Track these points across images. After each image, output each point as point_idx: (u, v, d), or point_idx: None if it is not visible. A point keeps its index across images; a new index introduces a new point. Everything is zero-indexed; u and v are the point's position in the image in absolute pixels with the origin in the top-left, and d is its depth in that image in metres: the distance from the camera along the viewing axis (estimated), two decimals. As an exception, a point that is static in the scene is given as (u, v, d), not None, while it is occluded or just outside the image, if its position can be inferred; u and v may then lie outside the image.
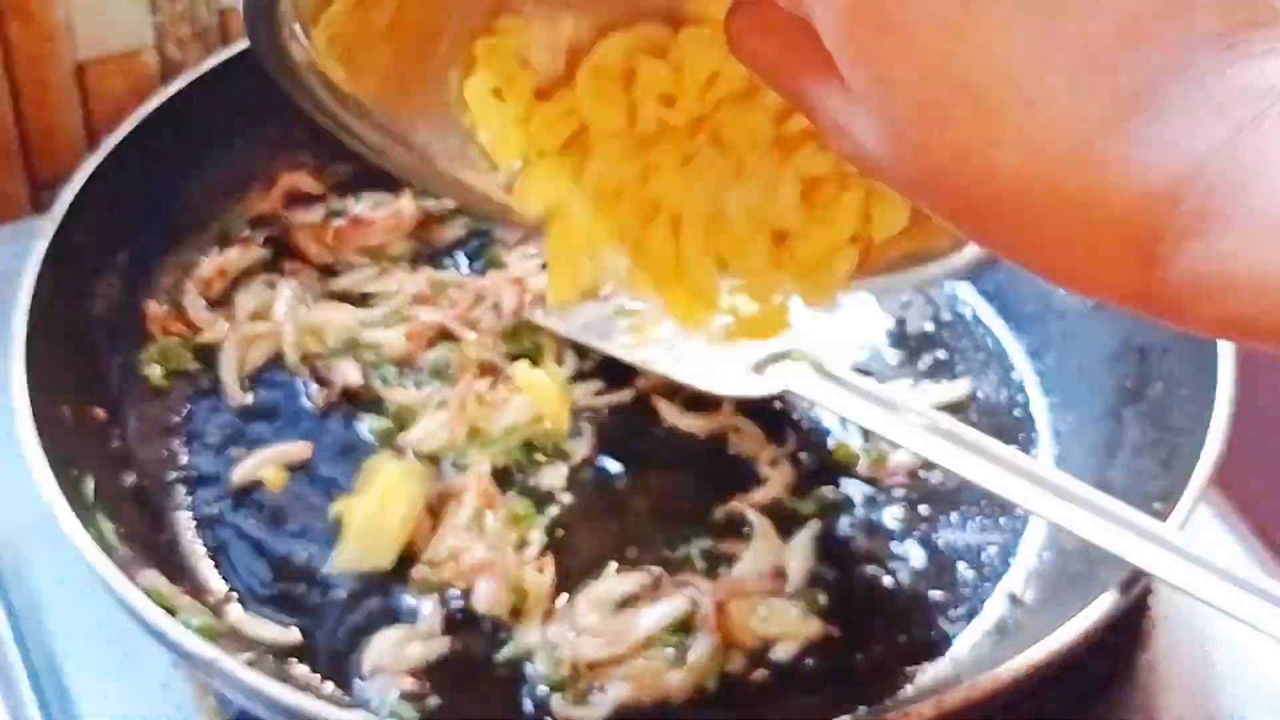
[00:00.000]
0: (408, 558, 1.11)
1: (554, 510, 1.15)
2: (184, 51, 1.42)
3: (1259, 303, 0.57)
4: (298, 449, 1.19)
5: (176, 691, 1.09)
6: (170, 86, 1.26)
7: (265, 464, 1.17)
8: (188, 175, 1.28)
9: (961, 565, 1.13)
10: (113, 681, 1.10)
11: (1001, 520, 1.16)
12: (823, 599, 1.10)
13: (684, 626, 1.08)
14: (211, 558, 1.13)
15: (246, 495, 1.16)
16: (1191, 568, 0.96)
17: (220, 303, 1.27)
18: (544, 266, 1.28)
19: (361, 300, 1.29)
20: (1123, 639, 1.12)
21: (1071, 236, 0.59)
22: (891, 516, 1.16)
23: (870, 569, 1.13)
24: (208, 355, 1.24)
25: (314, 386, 1.23)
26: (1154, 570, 0.97)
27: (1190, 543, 0.97)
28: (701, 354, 1.19)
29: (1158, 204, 0.57)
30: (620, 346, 1.21)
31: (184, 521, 1.15)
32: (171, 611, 1.01)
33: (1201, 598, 0.95)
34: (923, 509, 1.16)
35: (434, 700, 1.05)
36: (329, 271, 1.31)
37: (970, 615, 1.11)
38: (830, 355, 1.16)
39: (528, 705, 1.05)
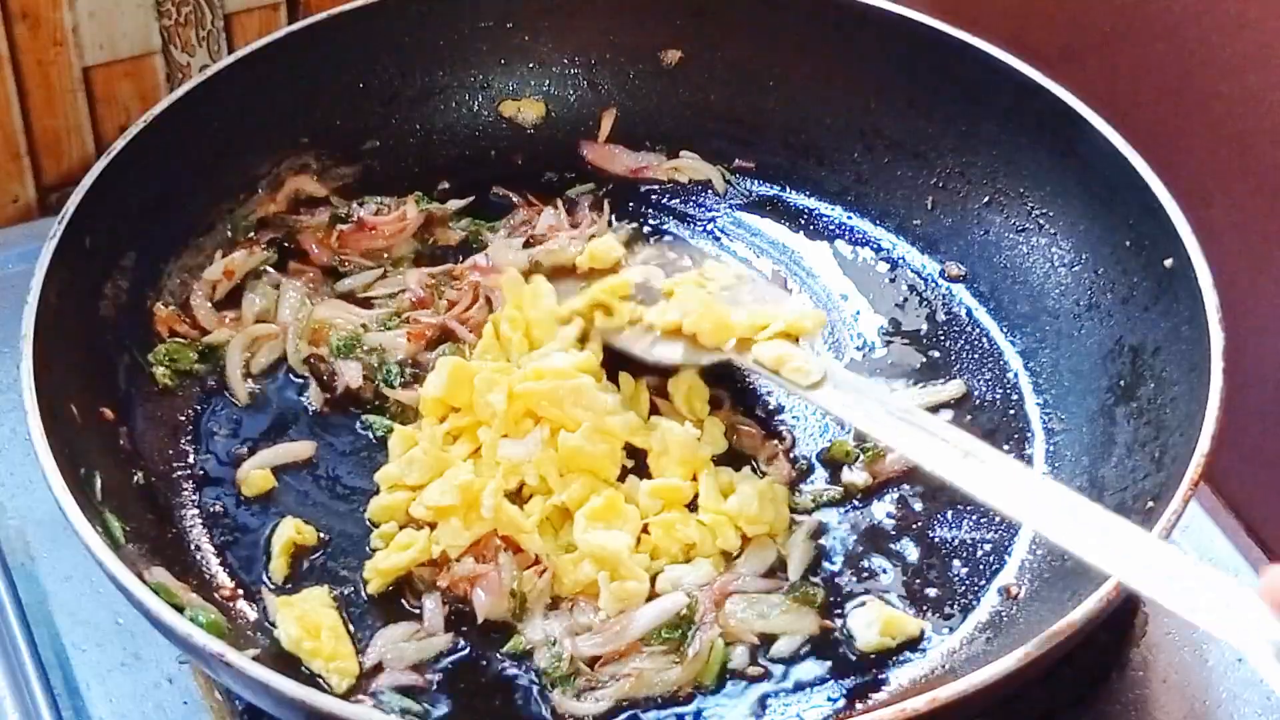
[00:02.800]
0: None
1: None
2: (190, 56, 1.43)
3: None
4: (301, 448, 1.20)
5: (183, 686, 1.11)
6: (177, 91, 1.27)
7: (268, 463, 1.19)
8: (194, 178, 1.29)
9: (956, 562, 1.14)
10: (120, 676, 1.12)
11: (996, 517, 1.16)
12: (821, 595, 1.12)
13: (683, 623, 1.09)
14: (218, 554, 1.14)
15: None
16: (1173, 584, 0.94)
17: (226, 304, 1.28)
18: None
19: (365, 302, 1.30)
20: (1115, 634, 1.13)
21: None
22: (887, 513, 1.17)
23: (866, 565, 1.14)
24: (214, 356, 1.25)
25: (316, 387, 1.24)
26: (1135, 586, 0.95)
27: (1174, 558, 0.95)
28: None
29: None
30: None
31: (191, 519, 1.16)
32: (179, 608, 1.02)
33: (1182, 614, 0.93)
34: (917, 506, 1.17)
35: (437, 695, 1.07)
36: (333, 274, 1.32)
37: (965, 611, 1.11)
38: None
39: (529, 700, 1.06)
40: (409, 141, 1.39)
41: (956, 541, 1.15)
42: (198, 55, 1.43)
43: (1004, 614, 1.11)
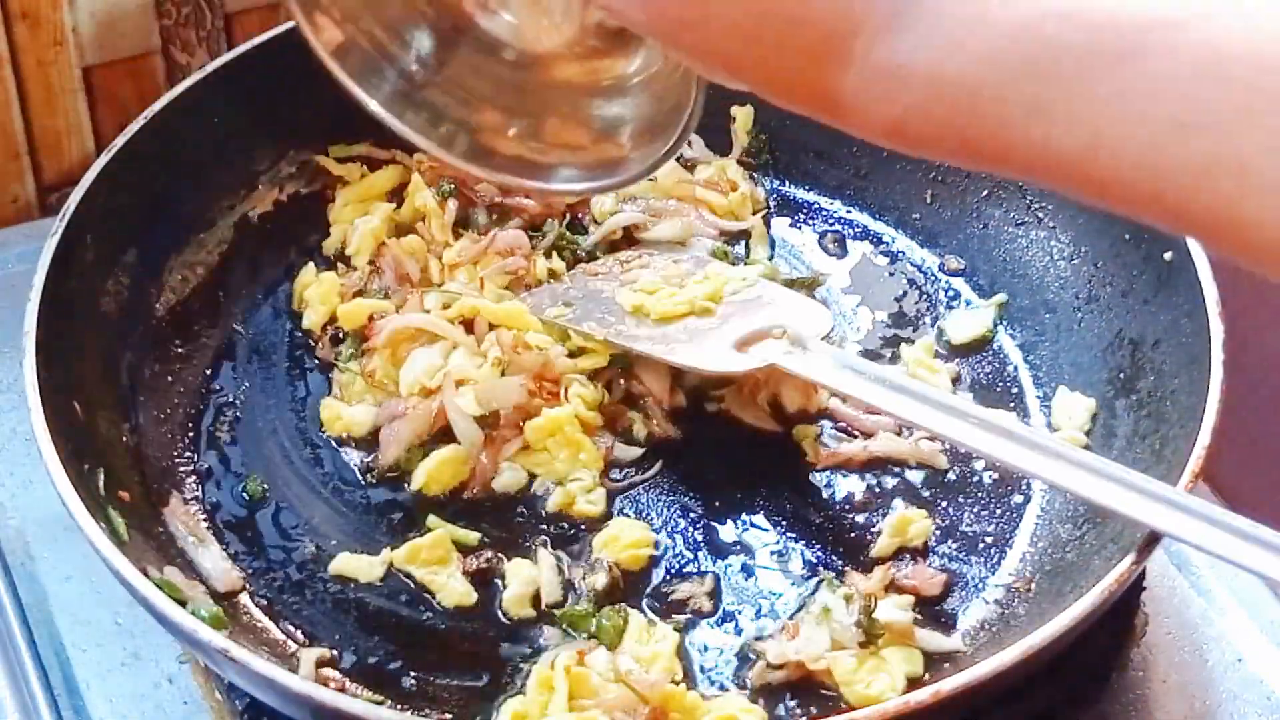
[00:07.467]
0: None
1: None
2: (190, 55, 1.43)
3: (926, 103, 0.65)
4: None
5: (183, 686, 1.11)
6: (177, 88, 1.27)
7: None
8: (194, 176, 1.29)
9: (958, 555, 1.14)
10: (120, 676, 1.11)
11: (998, 511, 1.17)
12: (822, 591, 1.11)
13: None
14: (223, 550, 1.13)
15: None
16: (1197, 523, 0.97)
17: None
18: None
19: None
20: (1115, 634, 1.13)
21: (774, 40, 0.69)
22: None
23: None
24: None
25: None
26: (1160, 527, 0.98)
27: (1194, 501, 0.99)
28: (687, 335, 1.21)
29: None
30: (605, 330, 1.22)
31: (194, 515, 1.15)
32: (182, 603, 1.02)
33: (1208, 550, 0.96)
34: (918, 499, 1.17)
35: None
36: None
37: (966, 605, 1.11)
38: (802, 326, 1.18)
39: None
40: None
41: (957, 534, 1.15)
42: (198, 55, 1.43)
43: (1006, 608, 1.11)
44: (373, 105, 0.97)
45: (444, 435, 1.17)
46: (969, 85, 0.65)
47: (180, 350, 1.25)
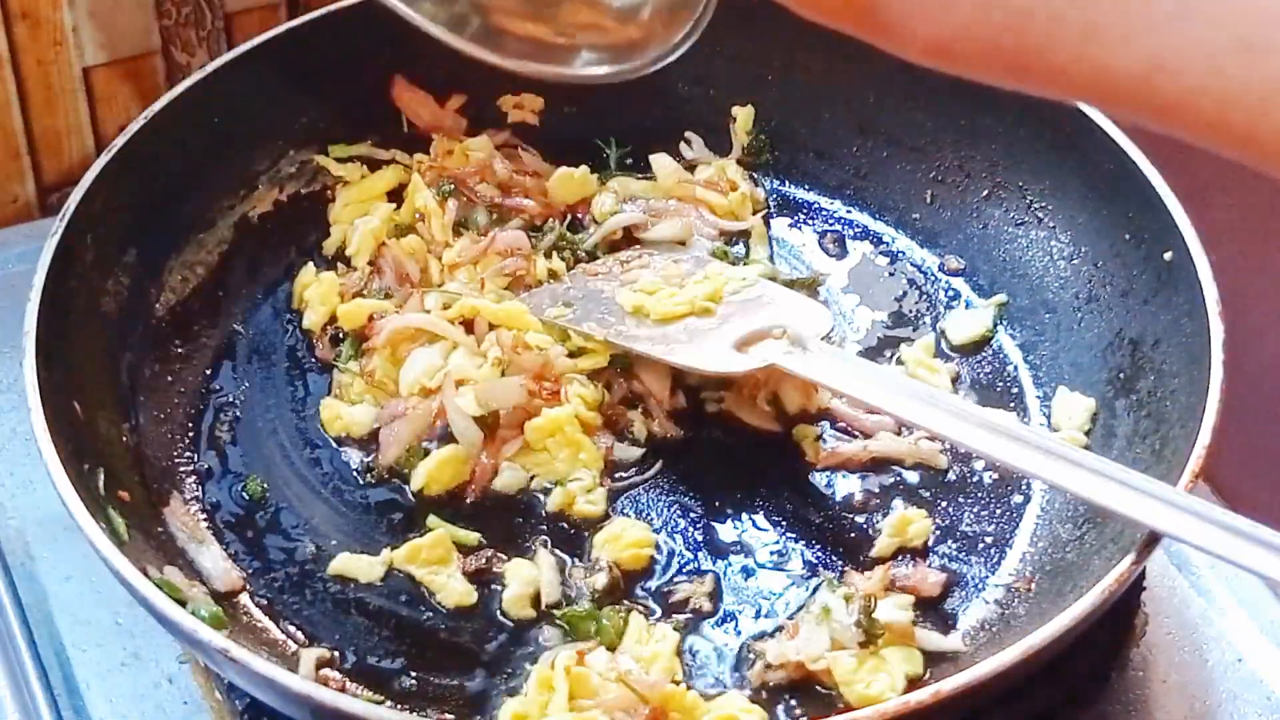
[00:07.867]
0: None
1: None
2: (190, 55, 1.43)
3: (974, 22, 0.62)
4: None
5: (183, 686, 1.11)
6: (177, 88, 1.27)
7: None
8: (194, 176, 1.29)
9: (958, 555, 1.14)
10: (120, 676, 1.11)
11: (998, 511, 1.17)
12: (822, 589, 1.12)
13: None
14: (223, 550, 1.13)
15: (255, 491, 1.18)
16: (1197, 523, 0.97)
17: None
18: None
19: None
20: (1115, 634, 1.13)
21: None
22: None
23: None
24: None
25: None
26: (1160, 527, 0.98)
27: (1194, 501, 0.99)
28: (687, 335, 1.21)
29: None
30: (605, 330, 1.22)
31: (194, 515, 1.16)
32: (182, 603, 1.02)
33: (1208, 550, 0.96)
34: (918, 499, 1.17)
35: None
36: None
37: (966, 605, 1.11)
38: (802, 326, 1.18)
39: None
40: (408, 136, 1.38)
41: (957, 534, 1.15)
42: (198, 55, 1.43)
43: (1006, 608, 1.11)
44: None
45: (444, 435, 1.18)
46: (1019, 4, 0.62)
47: (180, 350, 1.25)
